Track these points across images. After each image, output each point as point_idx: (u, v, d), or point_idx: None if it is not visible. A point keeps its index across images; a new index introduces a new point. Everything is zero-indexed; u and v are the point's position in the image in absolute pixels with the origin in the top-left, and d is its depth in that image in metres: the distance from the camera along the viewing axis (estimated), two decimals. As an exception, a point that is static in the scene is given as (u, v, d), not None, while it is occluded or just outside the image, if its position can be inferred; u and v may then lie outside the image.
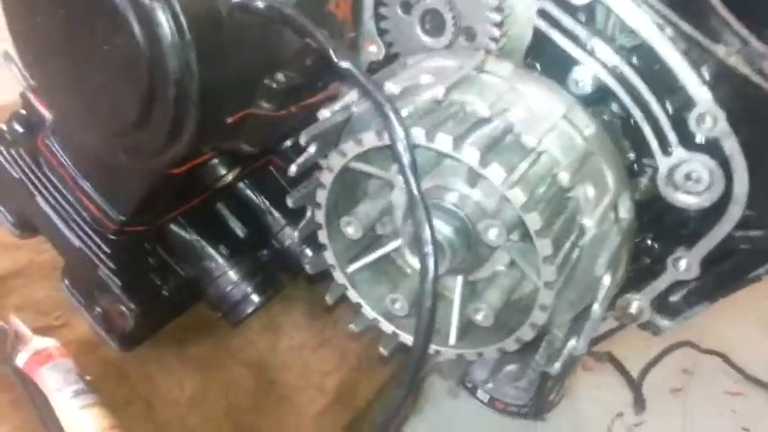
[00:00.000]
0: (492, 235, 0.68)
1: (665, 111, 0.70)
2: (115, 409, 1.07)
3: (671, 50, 0.68)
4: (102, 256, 1.08)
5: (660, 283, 0.77)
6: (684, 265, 0.75)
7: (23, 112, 1.09)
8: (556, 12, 0.72)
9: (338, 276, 0.82)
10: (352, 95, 0.77)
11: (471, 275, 0.79)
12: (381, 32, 0.83)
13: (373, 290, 0.83)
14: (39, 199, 1.10)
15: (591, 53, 0.71)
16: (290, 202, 0.79)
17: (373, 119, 0.71)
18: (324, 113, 0.75)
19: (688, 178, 0.70)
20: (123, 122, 0.81)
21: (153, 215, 1.06)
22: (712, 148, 0.69)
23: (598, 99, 0.74)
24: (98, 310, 1.18)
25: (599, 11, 0.73)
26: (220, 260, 1.19)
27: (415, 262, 0.80)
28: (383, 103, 0.66)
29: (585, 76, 0.72)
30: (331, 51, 0.71)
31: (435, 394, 1.67)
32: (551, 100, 0.73)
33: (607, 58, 0.71)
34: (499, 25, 0.75)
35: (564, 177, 0.68)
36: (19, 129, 1.09)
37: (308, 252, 1.13)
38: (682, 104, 0.69)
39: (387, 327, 0.83)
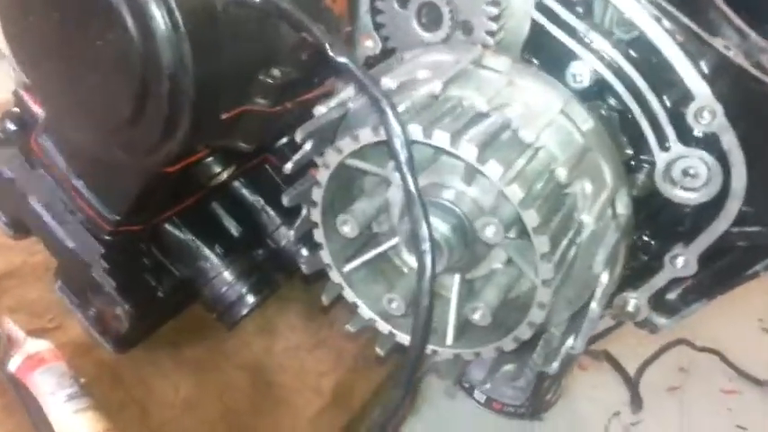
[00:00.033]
0: (489, 232, 0.68)
1: (663, 105, 0.70)
2: (109, 412, 1.06)
3: (669, 43, 0.68)
4: (95, 256, 1.07)
5: (657, 281, 0.77)
6: (682, 262, 0.75)
7: (16, 110, 1.08)
8: (553, 4, 0.71)
9: (334, 276, 0.82)
10: (348, 91, 0.76)
11: (468, 273, 0.79)
12: (378, 27, 0.83)
13: (370, 289, 0.83)
14: (31, 198, 1.09)
15: (589, 46, 0.71)
16: (285, 201, 0.78)
17: (370, 115, 0.70)
18: (320, 110, 0.74)
19: (685, 174, 0.70)
20: (117, 119, 0.80)
21: (147, 214, 1.05)
22: (710, 143, 0.69)
23: (595, 93, 0.73)
24: (92, 311, 1.17)
25: (597, 3, 0.73)
26: (215, 260, 1.18)
27: (411, 260, 0.80)
28: (380, 99, 0.66)
29: (583, 69, 0.71)
30: (327, 46, 0.70)
31: (432, 394, 1.66)
32: (549, 95, 0.73)
33: (605, 51, 0.71)
34: (496, 19, 0.74)
35: (562, 173, 0.67)
36: (12, 127, 1.08)
37: (304, 251, 1.12)
38: (680, 98, 0.69)
39: (383, 327, 0.82)
